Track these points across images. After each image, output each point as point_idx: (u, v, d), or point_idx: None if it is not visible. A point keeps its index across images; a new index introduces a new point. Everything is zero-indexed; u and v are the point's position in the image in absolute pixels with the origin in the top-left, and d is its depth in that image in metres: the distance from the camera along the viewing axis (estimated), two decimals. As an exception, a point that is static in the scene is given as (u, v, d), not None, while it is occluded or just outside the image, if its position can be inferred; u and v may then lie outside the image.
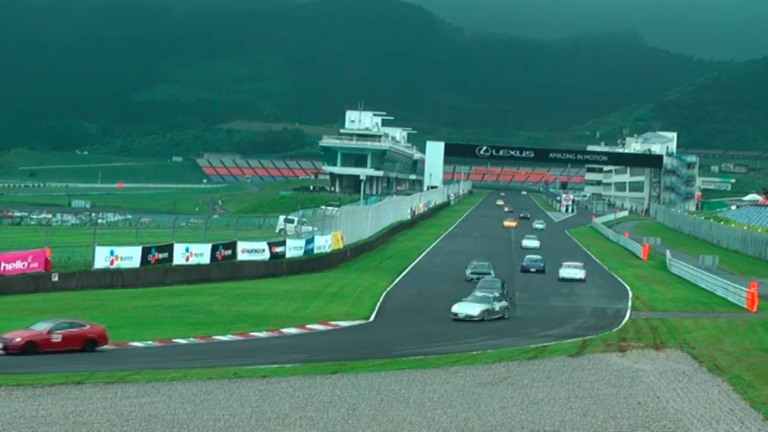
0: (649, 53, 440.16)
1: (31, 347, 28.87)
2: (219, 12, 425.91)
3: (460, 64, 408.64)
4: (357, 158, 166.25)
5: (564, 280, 55.26)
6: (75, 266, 47.43)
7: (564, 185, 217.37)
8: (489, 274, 51.69)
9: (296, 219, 74.00)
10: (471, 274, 53.32)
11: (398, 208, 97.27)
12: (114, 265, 48.01)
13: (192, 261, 52.11)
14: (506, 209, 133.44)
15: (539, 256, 62.29)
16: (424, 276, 56.85)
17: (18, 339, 29.10)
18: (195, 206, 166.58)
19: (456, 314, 39.30)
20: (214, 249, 53.56)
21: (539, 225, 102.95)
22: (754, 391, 24.09)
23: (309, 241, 61.44)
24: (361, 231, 74.43)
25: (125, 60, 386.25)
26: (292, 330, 36.41)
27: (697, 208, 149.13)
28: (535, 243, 78.23)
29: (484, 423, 20.31)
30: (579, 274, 56.12)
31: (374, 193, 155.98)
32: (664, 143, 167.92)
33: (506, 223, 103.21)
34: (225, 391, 22.60)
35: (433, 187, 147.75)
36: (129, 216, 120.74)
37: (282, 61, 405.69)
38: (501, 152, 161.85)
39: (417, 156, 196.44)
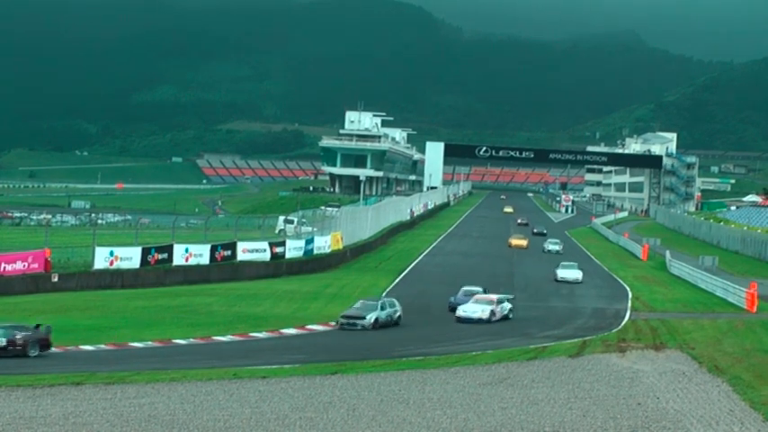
0: (649, 53, 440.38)
1: None
2: (219, 12, 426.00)
3: (460, 64, 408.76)
4: (357, 159, 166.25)
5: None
6: (75, 267, 47.45)
7: (564, 186, 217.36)
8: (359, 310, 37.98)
9: (296, 219, 73.99)
10: (341, 318, 37.46)
11: (398, 208, 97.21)
12: (114, 266, 48.02)
13: (192, 262, 52.12)
14: (519, 220, 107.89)
15: (478, 288, 44.28)
16: (423, 277, 56.84)
17: None
18: (195, 207, 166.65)
19: None
20: (213, 250, 53.56)
21: (553, 246, 76.67)
22: (753, 392, 24.11)
23: (309, 242, 61.45)
24: (361, 232, 74.40)
25: (125, 60, 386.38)
26: (292, 331, 36.43)
27: (697, 208, 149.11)
28: (576, 274, 56.95)
29: (484, 424, 20.32)
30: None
31: (374, 193, 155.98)
32: (663, 144, 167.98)
33: (514, 242, 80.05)
34: (224, 392, 22.61)
35: (432, 188, 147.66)
36: (129, 217, 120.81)
37: (282, 61, 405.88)
38: (501, 153, 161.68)
39: (417, 156, 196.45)
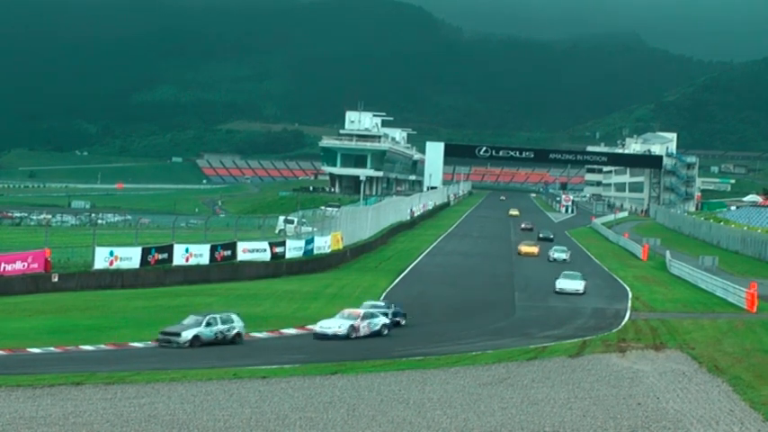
0: (649, 54, 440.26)
1: None
2: (220, 12, 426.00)
3: (460, 64, 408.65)
4: (357, 159, 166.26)
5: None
6: (75, 267, 47.45)
7: (564, 186, 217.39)
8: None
9: (296, 219, 73.95)
10: (160, 333, 33.00)
11: (398, 208, 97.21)
12: (114, 266, 48.01)
13: (192, 262, 52.11)
14: (523, 225, 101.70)
15: (381, 303, 40.26)
16: (423, 277, 56.82)
17: None
18: (195, 207, 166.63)
19: None
20: (213, 250, 53.56)
21: (560, 254, 69.68)
22: (753, 392, 24.12)
23: (309, 242, 61.44)
24: (361, 232, 74.39)
25: (125, 60, 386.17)
26: (292, 331, 36.44)
27: (697, 208, 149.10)
28: (577, 285, 51.43)
29: (484, 424, 20.32)
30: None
31: (374, 193, 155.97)
32: (663, 144, 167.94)
33: (524, 249, 74.19)
34: (224, 392, 22.62)
35: (432, 188, 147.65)
36: (129, 217, 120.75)
37: (282, 61, 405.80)
38: (501, 152, 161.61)
39: (417, 156, 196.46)
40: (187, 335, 32.06)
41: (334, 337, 34.61)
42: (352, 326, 35.09)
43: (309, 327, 36.88)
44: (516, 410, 21.58)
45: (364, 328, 35.50)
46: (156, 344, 32.08)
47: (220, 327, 32.99)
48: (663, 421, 21.01)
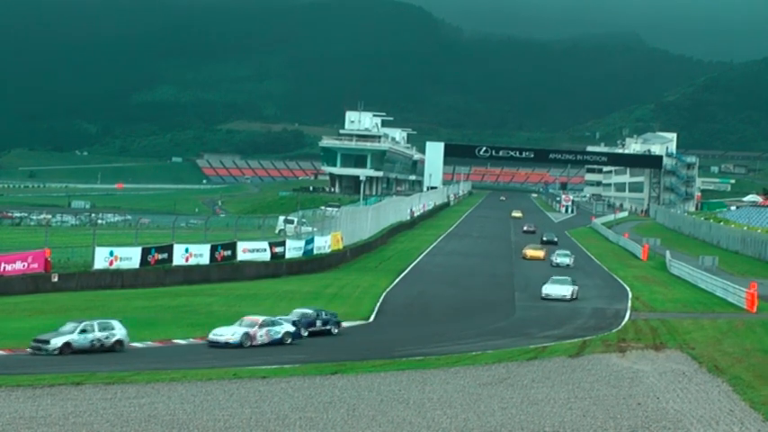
0: (649, 53, 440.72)
1: None
2: (220, 12, 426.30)
3: (460, 64, 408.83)
4: (357, 159, 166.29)
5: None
6: (75, 267, 47.43)
7: (564, 186, 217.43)
8: None
9: (296, 219, 73.91)
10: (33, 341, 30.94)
11: (398, 208, 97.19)
12: (114, 266, 48.00)
13: (192, 262, 52.10)
14: (525, 227, 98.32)
15: (310, 310, 37.28)
16: (423, 277, 56.82)
17: None
18: (195, 207, 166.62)
19: None
20: (213, 250, 53.56)
21: (563, 259, 66.12)
22: (753, 392, 24.14)
23: (309, 242, 61.44)
24: (361, 232, 74.39)
25: (125, 60, 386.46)
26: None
27: (697, 208, 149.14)
28: (564, 291, 48.03)
29: (484, 424, 20.33)
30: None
31: (374, 193, 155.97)
32: (663, 144, 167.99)
33: (529, 253, 71.13)
34: (224, 392, 22.63)
35: (432, 188, 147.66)
36: (129, 217, 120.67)
37: (282, 61, 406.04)
38: (501, 152, 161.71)
39: (417, 156, 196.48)
40: (57, 342, 30.44)
41: (226, 345, 32.39)
42: (246, 334, 32.87)
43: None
44: (516, 410, 21.59)
45: (262, 336, 33.30)
46: (29, 351, 30.40)
47: (97, 334, 31.45)
48: (663, 421, 21.02)
